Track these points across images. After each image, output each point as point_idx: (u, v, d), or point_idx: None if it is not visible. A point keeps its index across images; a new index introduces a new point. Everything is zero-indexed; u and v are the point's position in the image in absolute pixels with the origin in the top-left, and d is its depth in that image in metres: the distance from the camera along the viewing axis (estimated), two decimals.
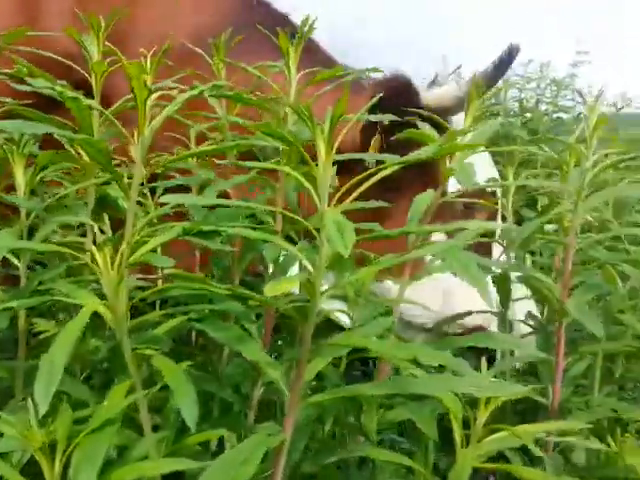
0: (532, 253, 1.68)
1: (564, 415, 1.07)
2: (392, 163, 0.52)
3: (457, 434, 0.66)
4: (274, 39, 0.83)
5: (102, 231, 0.93)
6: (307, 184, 0.53)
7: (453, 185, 1.29)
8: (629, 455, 0.98)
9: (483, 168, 1.45)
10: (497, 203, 1.53)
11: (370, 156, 0.74)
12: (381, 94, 0.97)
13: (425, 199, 0.85)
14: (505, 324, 1.30)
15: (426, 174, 1.29)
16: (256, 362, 0.59)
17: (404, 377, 0.55)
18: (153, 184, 1.11)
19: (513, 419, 1.28)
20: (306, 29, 0.87)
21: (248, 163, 0.59)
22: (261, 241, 0.85)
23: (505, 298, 1.27)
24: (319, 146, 0.51)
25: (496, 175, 1.58)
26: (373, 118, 0.85)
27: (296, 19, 1.80)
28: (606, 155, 0.98)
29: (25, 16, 1.63)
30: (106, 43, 0.88)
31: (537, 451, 0.55)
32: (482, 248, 1.46)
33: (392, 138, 0.87)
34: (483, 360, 0.67)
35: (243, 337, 0.61)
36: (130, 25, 1.67)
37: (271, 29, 1.58)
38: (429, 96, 1.47)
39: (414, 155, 0.53)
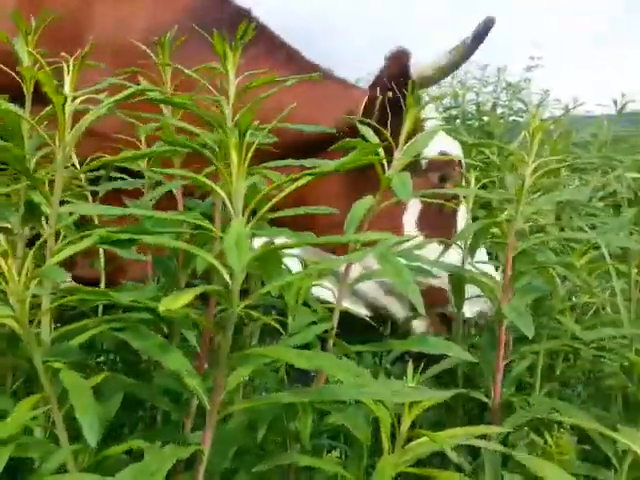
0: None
1: (506, 413, 1.09)
2: (306, 174, 0.52)
3: (385, 439, 0.67)
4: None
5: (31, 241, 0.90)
6: (221, 193, 0.52)
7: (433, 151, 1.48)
8: (564, 450, 1.01)
9: (443, 139, 1.56)
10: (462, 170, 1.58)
11: (293, 163, 0.73)
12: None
13: (363, 205, 0.85)
14: (459, 323, 1.32)
15: None
16: (176, 372, 0.58)
17: (325, 385, 0.55)
18: (94, 187, 1.09)
19: (463, 418, 1.30)
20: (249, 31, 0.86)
21: (169, 170, 0.58)
22: None
23: (459, 298, 1.29)
24: (231, 155, 0.51)
25: (454, 146, 1.61)
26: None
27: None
28: (546, 162, 1.00)
29: None
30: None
31: (453, 456, 0.55)
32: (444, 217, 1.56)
33: (330, 148, 0.87)
34: (409, 365, 0.67)
35: (164, 346, 0.60)
36: (85, 23, 1.64)
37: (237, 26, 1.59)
38: (416, 72, 1.48)
39: (326, 166, 0.53)
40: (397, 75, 1.45)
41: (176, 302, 0.41)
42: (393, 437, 0.67)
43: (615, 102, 3.05)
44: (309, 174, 0.52)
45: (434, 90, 3.11)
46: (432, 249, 1.39)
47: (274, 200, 0.52)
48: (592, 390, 1.28)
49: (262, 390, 1.21)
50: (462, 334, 1.32)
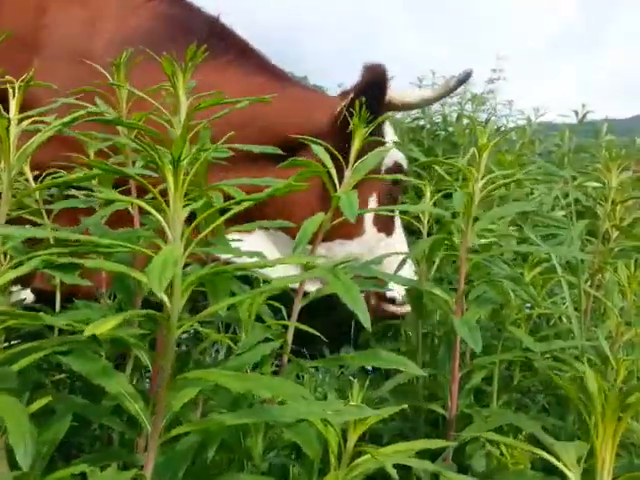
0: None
1: (464, 424, 1.11)
2: (244, 199, 0.53)
3: (332, 457, 0.68)
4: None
5: None
6: (159, 217, 0.53)
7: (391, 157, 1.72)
8: (519, 460, 1.03)
9: (396, 152, 1.80)
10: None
11: (246, 181, 0.74)
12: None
13: (314, 222, 0.86)
14: (419, 335, 1.34)
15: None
16: (117, 395, 0.58)
17: (265, 406, 0.55)
18: (48, 206, 1.08)
19: (426, 429, 1.32)
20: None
21: (110, 195, 0.58)
22: None
23: (418, 312, 1.31)
24: (168, 180, 0.51)
25: (403, 158, 1.84)
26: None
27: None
28: (493, 179, 1.03)
29: None
30: None
31: (394, 473, 0.56)
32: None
33: (280, 166, 0.88)
34: (355, 384, 0.69)
35: (107, 370, 0.60)
36: (45, 31, 1.61)
37: (208, 36, 1.60)
38: (395, 95, 1.70)
39: (263, 194, 0.54)
40: (372, 84, 1.59)
41: (102, 327, 0.42)
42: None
43: (576, 113, 3.14)
44: (249, 199, 0.53)
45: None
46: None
47: (217, 221, 0.53)
48: (550, 399, 1.31)
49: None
50: (422, 345, 1.34)
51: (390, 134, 1.81)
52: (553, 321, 1.38)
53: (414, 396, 1.27)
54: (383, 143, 1.62)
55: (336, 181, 0.90)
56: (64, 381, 1.24)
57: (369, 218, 1.76)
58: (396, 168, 1.78)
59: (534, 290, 1.22)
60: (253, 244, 1.59)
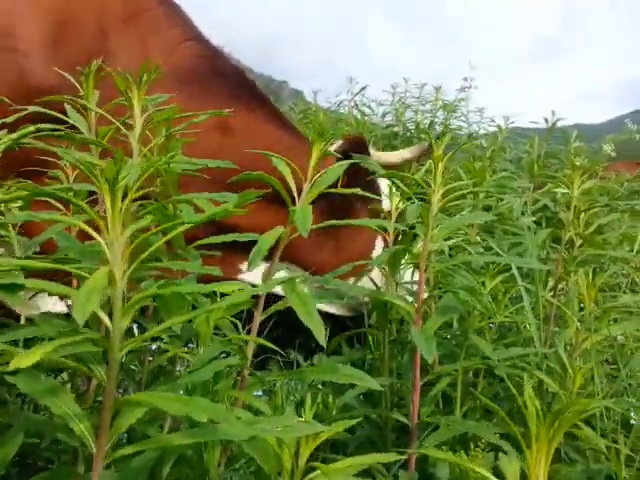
0: None
1: (425, 432, 1.12)
2: (188, 221, 0.53)
3: (285, 474, 0.68)
4: None
5: None
6: (96, 236, 0.53)
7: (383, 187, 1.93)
8: (477, 467, 1.05)
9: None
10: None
11: (214, 196, 0.75)
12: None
13: (271, 237, 0.86)
14: (385, 344, 1.35)
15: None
16: (61, 416, 0.58)
17: (212, 425, 0.55)
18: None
19: (393, 436, 1.33)
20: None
21: (44, 215, 0.58)
22: None
23: (383, 320, 1.32)
24: (105, 201, 0.51)
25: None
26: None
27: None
28: (452, 189, 1.04)
29: None
30: None
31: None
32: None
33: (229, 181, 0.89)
34: (308, 398, 0.69)
35: (53, 390, 0.60)
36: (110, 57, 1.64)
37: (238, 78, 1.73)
38: (382, 155, 2.08)
39: (204, 216, 0.54)
40: (353, 151, 1.72)
41: (26, 360, 0.41)
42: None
43: (546, 120, 3.19)
44: (193, 222, 0.53)
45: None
46: None
47: (156, 245, 0.53)
48: (514, 405, 1.33)
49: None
50: (390, 352, 1.35)
51: (383, 185, 2.01)
52: (518, 328, 1.40)
53: (381, 403, 1.28)
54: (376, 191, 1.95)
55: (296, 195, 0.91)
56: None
57: (379, 239, 1.99)
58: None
59: (496, 298, 1.24)
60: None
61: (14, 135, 0.69)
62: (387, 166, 1.95)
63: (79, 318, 0.41)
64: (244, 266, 1.87)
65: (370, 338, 1.52)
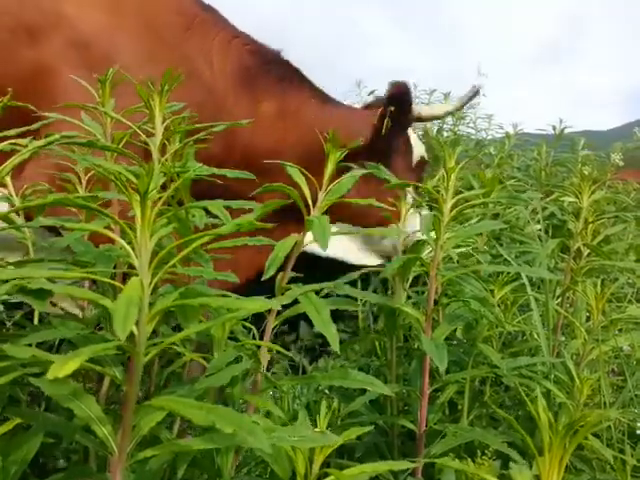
0: None
1: (434, 440, 1.13)
2: (205, 234, 0.55)
3: (299, 478, 0.70)
4: None
5: None
6: (126, 246, 0.54)
7: (416, 154, 2.23)
8: (485, 475, 1.06)
9: (419, 147, 2.24)
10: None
11: (232, 203, 0.77)
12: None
13: (286, 245, 0.88)
14: (392, 350, 1.36)
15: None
16: (84, 419, 0.59)
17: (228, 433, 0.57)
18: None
19: (400, 443, 1.34)
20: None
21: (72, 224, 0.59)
22: None
23: (392, 328, 1.33)
24: (135, 212, 0.53)
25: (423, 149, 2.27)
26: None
27: None
28: (463, 198, 1.06)
29: None
30: None
31: None
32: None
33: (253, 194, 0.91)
34: (322, 407, 0.70)
35: (77, 393, 0.62)
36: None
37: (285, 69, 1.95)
38: (425, 108, 2.22)
39: (223, 229, 0.56)
40: (398, 97, 1.97)
41: (64, 369, 0.43)
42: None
43: (554, 127, 3.20)
44: (209, 234, 0.54)
45: None
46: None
47: (179, 256, 0.54)
48: (520, 413, 1.34)
49: None
50: (397, 357, 1.36)
51: (414, 139, 2.20)
52: (525, 337, 1.41)
53: (387, 410, 1.29)
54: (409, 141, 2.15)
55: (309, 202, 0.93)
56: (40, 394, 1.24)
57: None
58: (422, 160, 2.23)
59: (505, 307, 1.25)
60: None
61: (41, 142, 0.71)
62: (430, 117, 2.16)
63: (121, 334, 0.43)
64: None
65: (377, 344, 1.53)
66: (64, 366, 0.43)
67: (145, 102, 0.83)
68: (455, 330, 1.39)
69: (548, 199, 2.61)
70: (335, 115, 2.00)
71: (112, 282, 0.54)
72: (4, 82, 1.48)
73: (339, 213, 1.88)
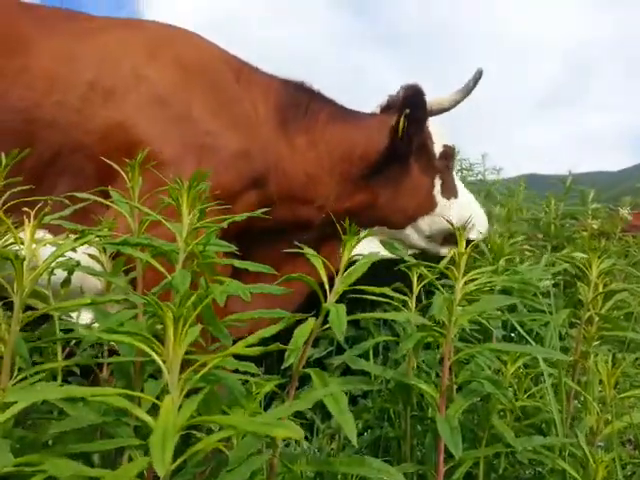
0: None
1: None
2: (237, 351, 0.58)
3: None
4: None
5: None
6: (159, 361, 0.58)
7: (440, 142, 2.39)
8: None
9: (444, 136, 2.37)
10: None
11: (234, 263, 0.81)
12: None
13: (304, 331, 0.91)
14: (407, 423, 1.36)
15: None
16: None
17: None
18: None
19: None
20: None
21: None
22: None
23: (406, 402, 1.34)
24: (167, 330, 0.57)
25: (447, 137, 2.40)
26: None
27: None
28: (474, 277, 1.09)
29: None
30: None
31: None
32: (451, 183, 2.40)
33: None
34: None
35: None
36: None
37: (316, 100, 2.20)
38: (434, 102, 2.27)
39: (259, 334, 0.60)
40: (412, 98, 2.12)
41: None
42: None
43: (563, 182, 3.24)
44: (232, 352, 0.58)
45: None
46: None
47: (206, 369, 0.58)
48: None
49: None
50: (411, 428, 1.37)
51: (434, 131, 2.32)
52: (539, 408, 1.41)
53: None
54: (430, 138, 2.30)
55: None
56: None
57: (437, 192, 2.32)
58: (446, 148, 2.36)
59: (518, 380, 1.26)
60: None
61: (77, 243, 0.76)
62: (440, 110, 2.27)
63: (160, 470, 0.45)
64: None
65: (391, 411, 1.54)
66: None
67: (173, 199, 0.89)
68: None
69: (558, 255, 2.63)
70: (357, 128, 2.20)
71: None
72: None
73: (376, 218, 2.19)
